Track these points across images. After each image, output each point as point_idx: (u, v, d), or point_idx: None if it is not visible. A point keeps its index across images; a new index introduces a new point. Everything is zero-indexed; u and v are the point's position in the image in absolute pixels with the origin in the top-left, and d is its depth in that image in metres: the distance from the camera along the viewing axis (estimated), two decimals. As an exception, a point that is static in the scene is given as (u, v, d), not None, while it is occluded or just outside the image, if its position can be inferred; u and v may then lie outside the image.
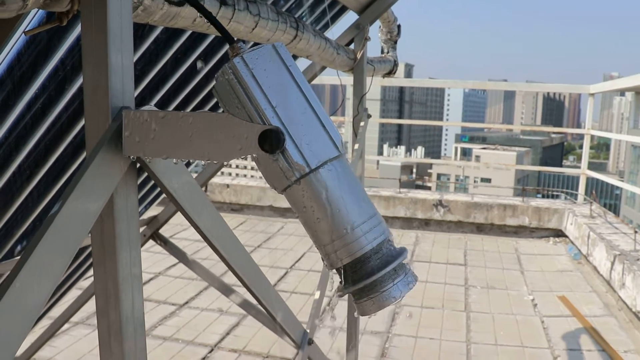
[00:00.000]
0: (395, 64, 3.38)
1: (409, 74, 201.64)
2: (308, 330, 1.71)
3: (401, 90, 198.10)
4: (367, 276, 0.68)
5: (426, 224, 6.92)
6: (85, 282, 3.52)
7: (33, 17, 1.08)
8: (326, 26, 2.50)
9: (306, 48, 1.71)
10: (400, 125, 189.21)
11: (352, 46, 2.46)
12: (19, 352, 3.45)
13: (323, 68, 2.42)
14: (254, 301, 1.53)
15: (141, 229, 3.06)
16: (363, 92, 2.42)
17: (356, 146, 2.31)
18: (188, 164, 2.93)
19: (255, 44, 1.70)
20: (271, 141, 0.67)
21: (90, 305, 4.74)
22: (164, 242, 3.06)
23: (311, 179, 0.69)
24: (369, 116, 2.47)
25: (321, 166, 0.69)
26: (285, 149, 0.68)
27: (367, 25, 2.36)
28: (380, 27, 3.30)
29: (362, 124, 2.40)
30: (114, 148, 0.78)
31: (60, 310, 3.47)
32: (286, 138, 0.68)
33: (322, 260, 0.72)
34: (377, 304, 0.68)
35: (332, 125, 0.72)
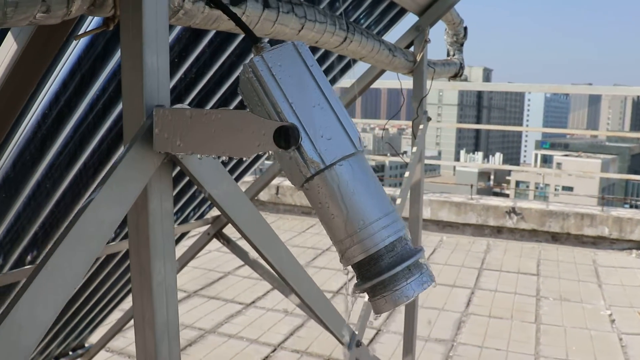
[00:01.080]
0: (462, 67, 3.31)
1: (487, 78, 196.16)
2: (357, 332, 1.70)
3: (479, 95, 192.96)
4: (379, 274, 0.67)
5: (498, 231, 6.69)
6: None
7: (90, 22, 1.15)
8: (387, 28, 2.49)
9: (358, 50, 1.71)
10: (478, 131, 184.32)
11: (412, 49, 2.43)
12: (94, 340, 3.66)
13: (383, 71, 2.41)
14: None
15: (205, 228, 3.16)
16: (423, 94, 2.38)
17: (414, 149, 2.28)
18: (253, 162, 3.01)
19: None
20: (286, 137, 0.68)
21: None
22: (227, 242, 3.15)
23: (326, 176, 0.69)
24: (429, 119, 2.43)
25: (336, 163, 0.69)
26: (301, 145, 0.69)
27: (427, 28, 2.32)
28: (445, 29, 3.24)
29: (421, 127, 2.37)
30: (146, 144, 0.82)
31: (130, 304, 3.66)
32: (302, 134, 0.69)
33: (339, 256, 0.72)
34: (390, 302, 0.68)
35: (350, 123, 0.72)
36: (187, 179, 2.48)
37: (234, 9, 1.12)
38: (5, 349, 0.68)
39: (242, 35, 1.69)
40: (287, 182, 8.22)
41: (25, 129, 1.37)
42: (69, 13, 0.84)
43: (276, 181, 8.20)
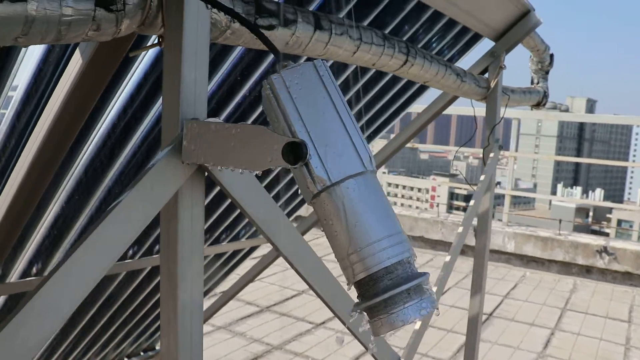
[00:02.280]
0: (545, 96, 3.18)
1: (591, 109, 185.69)
2: (402, 359, 1.66)
3: (581, 126, 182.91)
4: (376, 295, 0.66)
5: (587, 271, 6.27)
6: (219, 288, 3.78)
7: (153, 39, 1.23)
8: (461, 53, 2.45)
9: (421, 74, 1.70)
10: (577, 165, 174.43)
11: (487, 75, 2.38)
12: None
13: (455, 97, 2.37)
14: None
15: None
16: (495, 122, 2.31)
17: (482, 177, 2.21)
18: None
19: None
20: (295, 153, 0.69)
21: (235, 313, 5.10)
22: (294, 259, 3.18)
23: (331, 193, 0.70)
24: (501, 147, 2.35)
25: (343, 181, 0.69)
26: (309, 162, 0.70)
27: (502, 54, 2.26)
28: (530, 56, 3.13)
29: (491, 155, 2.30)
30: (177, 155, 0.87)
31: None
32: (311, 151, 0.70)
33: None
34: (386, 325, 0.66)
35: (362, 143, 0.72)
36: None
37: (283, 30, 1.16)
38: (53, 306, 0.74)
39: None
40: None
41: (95, 137, 1.48)
42: (119, 31, 0.91)
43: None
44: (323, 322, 5.01)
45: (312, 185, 0.71)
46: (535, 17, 2.24)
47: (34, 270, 1.93)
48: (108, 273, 2.15)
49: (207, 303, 3.75)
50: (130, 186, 0.83)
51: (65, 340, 2.52)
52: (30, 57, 1.24)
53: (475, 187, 2.25)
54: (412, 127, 2.58)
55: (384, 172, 7.67)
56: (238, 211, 2.71)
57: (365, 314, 0.69)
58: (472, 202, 2.12)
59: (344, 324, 1.49)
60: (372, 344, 0.72)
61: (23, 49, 1.20)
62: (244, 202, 0.99)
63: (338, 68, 1.96)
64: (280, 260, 7.34)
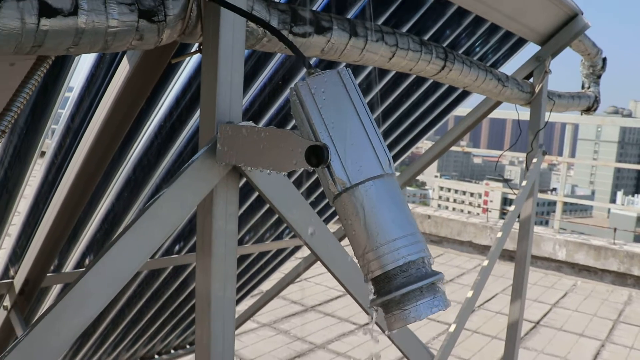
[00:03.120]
0: (597, 101, 3.09)
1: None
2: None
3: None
4: (390, 291, 0.69)
5: (644, 283, 6.02)
6: (264, 286, 3.86)
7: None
8: (507, 57, 2.43)
9: (460, 79, 1.70)
10: (639, 172, 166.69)
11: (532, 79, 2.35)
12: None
13: (499, 102, 2.36)
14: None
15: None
16: (539, 127, 2.28)
17: (524, 183, 2.18)
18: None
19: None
20: (317, 156, 0.73)
21: (281, 311, 5.19)
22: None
23: (351, 194, 0.73)
24: (545, 153, 2.32)
25: (362, 183, 0.73)
26: (330, 164, 0.74)
27: (548, 58, 2.23)
28: (581, 60, 3.06)
29: (534, 160, 2.27)
30: (212, 156, 0.93)
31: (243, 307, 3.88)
32: (332, 154, 0.74)
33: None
34: (398, 321, 0.69)
35: (381, 147, 0.76)
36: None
37: (319, 37, 1.21)
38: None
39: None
40: (418, 209, 8.16)
41: (143, 138, 1.57)
42: (161, 40, 0.97)
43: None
44: (367, 324, 5.02)
45: (333, 187, 0.74)
46: (583, 21, 2.20)
47: (87, 261, 2.05)
48: (155, 267, 2.26)
49: (252, 300, 3.84)
50: (168, 184, 0.89)
51: (112, 333, 2.65)
52: (84, 62, 1.34)
53: (518, 191, 2.22)
54: (457, 131, 2.57)
55: (435, 176, 7.59)
56: None
57: (380, 309, 0.72)
58: (512, 207, 2.10)
59: (379, 327, 1.52)
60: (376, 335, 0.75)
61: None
62: (276, 201, 1.03)
63: (380, 70, 1.99)
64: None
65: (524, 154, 2.35)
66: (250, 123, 0.94)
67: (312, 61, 1.68)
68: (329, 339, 4.68)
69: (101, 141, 1.34)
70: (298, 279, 6.15)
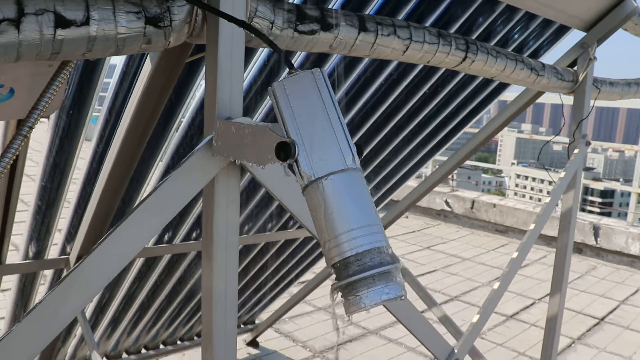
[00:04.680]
0: (658, 86, 2.94)
1: None
2: (456, 351, 1.71)
3: None
4: (345, 278, 0.76)
5: None
6: (317, 269, 3.95)
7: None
8: (551, 43, 2.37)
9: (485, 69, 1.70)
10: None
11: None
12: (264, 318, 4.09)
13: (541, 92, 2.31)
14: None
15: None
16: (582, 116, 2.22)
17: (562, 174, 2.14)
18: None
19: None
20: (284, 151, 0.80)
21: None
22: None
23: (315, 187, 0.80)
24: (588, 144, 2.25)
25: (325, 177, 0.79)
26: (298, 159, 0.80)
27: (593, 45, 2.15)
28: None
29: (576, 151, 2.21)
30: (210, 149, 1.01)
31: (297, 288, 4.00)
32: (299, 150, 0.80)
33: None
34: (352, 306, 0.75)
35: (346, 144, 0.81)
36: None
37: (325, 34, 1.26)
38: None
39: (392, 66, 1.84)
40: (484, 197, 8.00)
41: (179, 127, 1.69)
42: (169, 43, 1.07)
43: (472, 195, 8.04)
44: (422, 312, 5.03)
45: (300, 180, 0.81)
46: (632, 4, 2.11)
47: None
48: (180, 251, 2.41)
49: (300, 286, 3.97)
50: (169, 175, 0.99)
51: (145, 314, 2.84)
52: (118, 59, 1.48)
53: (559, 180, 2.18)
54: (499, 120, 2.54)
55: (512, 163, 7.37)
56: None
57: (340, 294, 0.78)
58: (549, 200, 2.07)
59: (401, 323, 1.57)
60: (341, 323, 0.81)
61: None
62: (276, 192, 1.11)
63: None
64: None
65: (609, 143, 2.29)
66: (246, 119, 1.02)
67: (300, 58, 1.76)
68: (383, 324, 4.73)
69: (135, 128, 1.47)
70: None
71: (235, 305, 1.12)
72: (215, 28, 1.03)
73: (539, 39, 2.26)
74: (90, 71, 1.48)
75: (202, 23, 1.08)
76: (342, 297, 0.78)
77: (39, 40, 0.93)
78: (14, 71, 1.26)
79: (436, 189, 8.26)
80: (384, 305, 1.51)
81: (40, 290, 2.31)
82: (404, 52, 1.44)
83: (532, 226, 1.98)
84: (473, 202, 7.83)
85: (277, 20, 1.18)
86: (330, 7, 1.62)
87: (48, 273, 2.25)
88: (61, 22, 0.93)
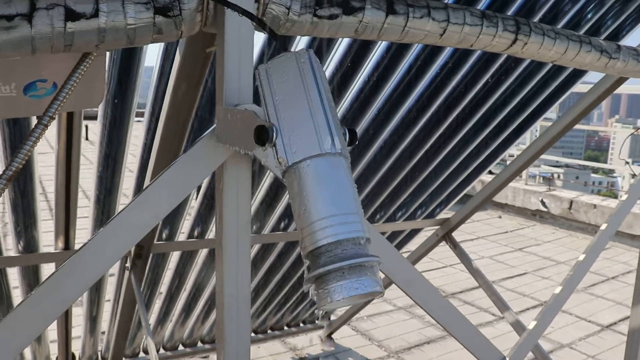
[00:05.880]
0: None
1: None
2: (507, 358, 1.59)
3: None
4: (314, 269, 0.71)
5: None
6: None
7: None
8: (634, 22, 2.14)
9: (542, 53, 1.56)
10: None
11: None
12: (340, 312, 4.06)
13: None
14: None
15: (435, 229, 3.21)
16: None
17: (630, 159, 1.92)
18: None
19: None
20: (263, 136, 0.78)
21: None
22: (454, 246, 3.14)
23: (291, 172, 0.76)
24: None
25: (301, 162, 0.75)
26: (276, 144, 0.77)
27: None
28: None
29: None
30: (214, 137, 1.01)
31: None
32: (277, 135, 0.77)
33: (300, 246, 0.78)
34: (322, 299, 0.70)
35: (325, 128, 0.76)
36: (402, 175, 2.61)
37: (348, 17, 1.22)
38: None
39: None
40: (583, 197, 7.46)
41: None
42: (181, 33, 1.07)
43: (570, 195, 7.53)
44: (497, 319, 4.79)
45: (278, 166, 0.78)
46: None
47: (195, 232, 2.30)
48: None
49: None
50: (175, 162, 1.00)
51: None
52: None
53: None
54: (576, 109, 2.34)
55: (627, 163, 6.85)
56: (411, 190, 2.78)
57: (313, 285, 0.74)
58: (624, 197, 1.87)
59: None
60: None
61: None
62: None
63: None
64: (475, 248, 7.13)
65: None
66: (252, 106, 1.00)
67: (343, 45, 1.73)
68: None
69: (173, 119, 1.51)
70: (442, 265, 6.05)
71: (248, 302, 1.10)
72: (222, 15, 1.03)
73: (618, 18, 2.05)
74: (128, 64, 1.54)
75: (215, 11, 1.08)
76: (314, 289, 0.74)
77: (50, 34, 0.97)
78: (54, 65, 1.34)
79: (531, 187, 7.82)
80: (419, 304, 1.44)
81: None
82: (441, 35, 1.35)
83: (603, 226, 1.80)
84: (571, 202, 7.32)
85: (294, 5, 1.15)
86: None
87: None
88: (71, 15, 0.97)
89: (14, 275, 2.29)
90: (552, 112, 3.03)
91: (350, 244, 0.72)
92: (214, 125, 1.02)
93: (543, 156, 2.81)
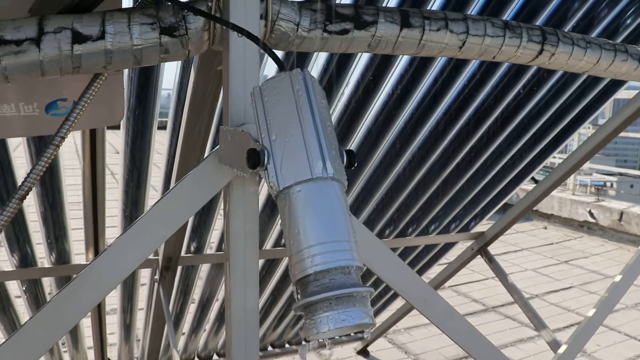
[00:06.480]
0: None
1: None
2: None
3: None
4: (302, 298, 0.68)
5: None
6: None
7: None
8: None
9: (571, 63, 1.48)
10: None
11: None
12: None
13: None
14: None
15: (469, 243, 3.12)
16: None
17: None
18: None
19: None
20: (254, 159, 0.76)
21: (458, 309, 5.04)
22: (489, 260, 3.04)
23: (282, 197, 0.74)
24: None
25: (291, 187, 0.73)
26: (267, 168, 0.75)
27: None
28: None
29: None
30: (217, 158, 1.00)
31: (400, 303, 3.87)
32: (269, 159, 0.75)
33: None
34: (308, 330, 0.67)
35: (317, 152, 0.73)
36: (433, 188, 2.54)
37: (360, 32, 1.19)
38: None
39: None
40: (634, 209, 7.13)
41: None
42: (188, 52, 1.07)
43: (621, 206, 7.22)
44: (531, 337, 4.62)
45: (270, 190, 0.76)
46: None
47: (224, 245, 2.31)
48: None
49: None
50: (180, 180, 1.00)
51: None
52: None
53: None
54: (621, 116, 2.22)
55: None
56: (443, 203, 2.71)
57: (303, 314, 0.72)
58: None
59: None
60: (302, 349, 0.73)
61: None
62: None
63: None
64: (518, 260, 6.92)
65: None
66: (250, 127, 0.99)
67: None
68: (504, 343, 4.41)
69: (191, 138, 1.52)
70: (484, 277, 5.89)
71: (257, 317, 1.09)
72: (227, 36, 1.02)
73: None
74: (146, 84, 1.56)
75: (222, 29, 1.07)
76: (303, 319, 0.71)
77: (58, 57, 0.98)
78: (74, 85, 1.36)
79: (579, 197, 7.54)
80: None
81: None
82: (460, 47, 1.31)
83: (643, 243, 1.70)
84: (622, 213, 7.01)
85: (304, 21, 1.13)
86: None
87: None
88: (78, 38, 0.98)
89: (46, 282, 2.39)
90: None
91: (339, 273, 0.69)
92: (217, 146, 1.01)
93: (594, 165, 2.69)
